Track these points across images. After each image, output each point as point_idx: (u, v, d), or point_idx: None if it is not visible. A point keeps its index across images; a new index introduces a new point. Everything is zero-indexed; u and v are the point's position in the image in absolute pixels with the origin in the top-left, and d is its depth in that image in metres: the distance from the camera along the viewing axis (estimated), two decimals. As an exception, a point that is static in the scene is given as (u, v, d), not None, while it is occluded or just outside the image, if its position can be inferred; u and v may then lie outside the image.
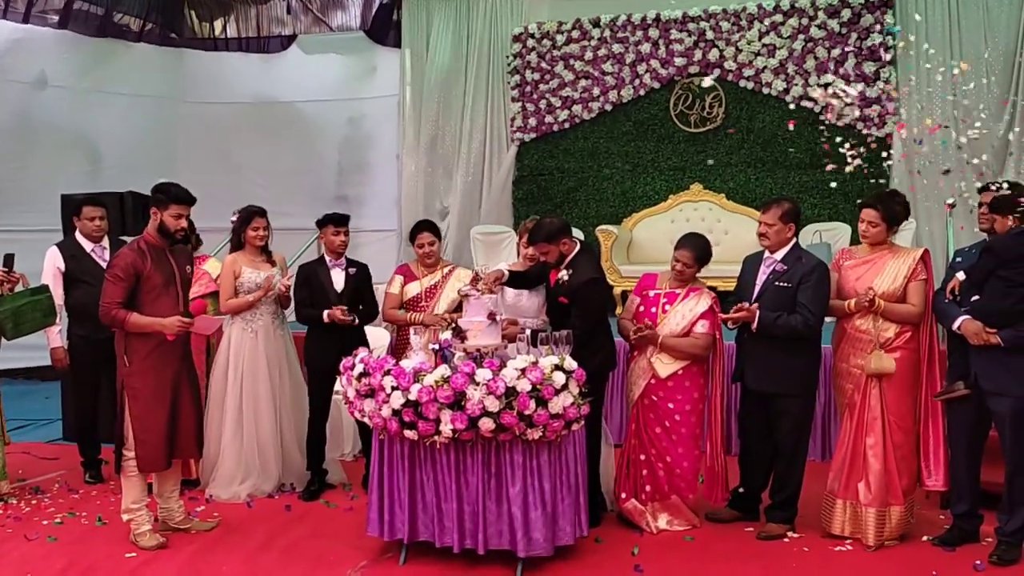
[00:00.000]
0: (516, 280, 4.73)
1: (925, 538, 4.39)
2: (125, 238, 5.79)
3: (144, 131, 9.56)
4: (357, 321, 5.15)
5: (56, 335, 5.44)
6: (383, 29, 9.87)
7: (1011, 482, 4.09)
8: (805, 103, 8.35)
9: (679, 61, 8.71)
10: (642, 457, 4.62)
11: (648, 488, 4.62)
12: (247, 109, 9.97)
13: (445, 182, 9.61)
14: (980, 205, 4.29)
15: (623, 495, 4.65)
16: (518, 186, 9.38)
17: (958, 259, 4.37)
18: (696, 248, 4.56)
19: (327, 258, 5.30)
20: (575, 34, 9.08)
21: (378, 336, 5.99)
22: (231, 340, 5.27)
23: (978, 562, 4.03)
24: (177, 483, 4.60)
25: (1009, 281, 3.97)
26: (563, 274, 4.53)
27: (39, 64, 8.86)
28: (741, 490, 4.71)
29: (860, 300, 4.25)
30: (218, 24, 10.43)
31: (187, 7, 10.30)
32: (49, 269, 5.44)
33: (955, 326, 4.10)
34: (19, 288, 5.16)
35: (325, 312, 5.06)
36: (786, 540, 4.40)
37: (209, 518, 4.81)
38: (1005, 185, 4.19)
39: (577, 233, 8.55)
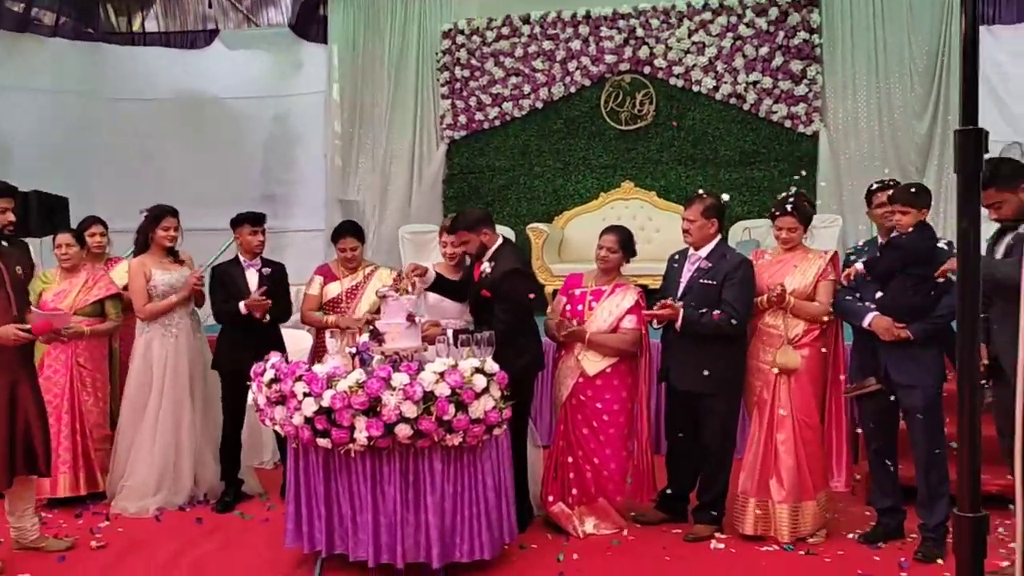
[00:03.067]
0: (443, 286, 4.57)
1: (851, 535, 4.36)
2: (27, 240, 5.50)
3: (61, 129, 9.18)
4: (267, 318, 4.93)
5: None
6: (309, 24, 9.63)
7: (926, 477, 4.08)
8: (734, 101, 8.37)
9: (609, 58, 8.65)
10: (570, 459, 4.50)
11: (575, 491, 4.50)
12: (169, 106, 9.63)
13: (374, 181, 9.39)
14: (881, 205, 4.23)
15: (550, 498, 4.53)
16: (449, 184, 9.22)
17: (851, 256, 4.37)
18: (620, 233, 4.49)
19: (242, 259, 5.07)
20: (505, 31, 8.96)
21: (300, 339, 5.78)
22: (151, 345, 4.99)
23: (903, 559, 4.00)
24: (31, 501, 4.27)
25: (917, 277, 3.97)
26: (485, 266, 4.40)
27: (-59, 57, 8.42)
28: (668, 491, 4.63)
29: (770, 295, 4.22)
30: (137, 18, 10.05)
31: (103, 1, 9.91)
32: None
33: (865, 323, 4.08)
34: None
35: (241, 304, 4.84)
36: (713, 542, 4.32)
37: (115, 532, 4.56)
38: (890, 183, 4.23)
39: (507, 231, 8.50)
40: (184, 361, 5.01)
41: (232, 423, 5.00)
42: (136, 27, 9.99)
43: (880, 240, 4.23)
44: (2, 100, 8.81)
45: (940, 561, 3.97)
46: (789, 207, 4.31)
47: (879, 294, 4.09)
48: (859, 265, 4.17)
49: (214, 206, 8.26)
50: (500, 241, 4.49)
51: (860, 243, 4.54)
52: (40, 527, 4.33)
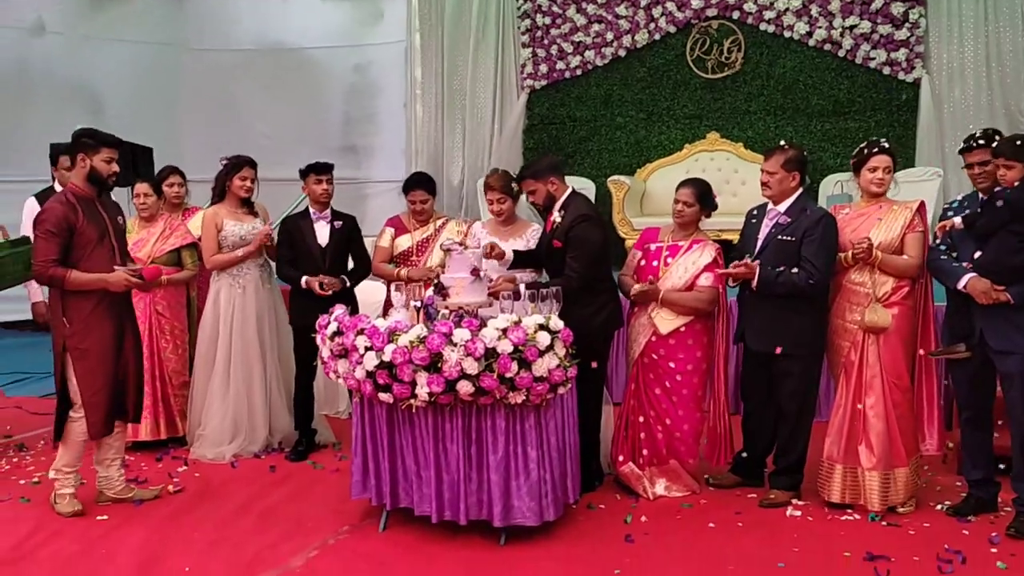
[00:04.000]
0: (523, 260, 4.44)
1: (939, 506, 4.13)
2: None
3: (146, 80, 9.29)
4: (348, 283, 4.93)
5: (37, 289, 5.27)
6: (391, -28, 9.49)
7: (1023, 448, 3.81)
8: (828, 47, 7.93)
9: (696, 3, 8.28)
10: (640, 419, 4.39)
11: (646, 452, 4.38)
12: (251, 56, 9.64)
13: (454, 131, 9.28)
14: (970, 166, 3.92)
15: (620, 458, 4.43)
16: (528, 135, 9.04)
17: (948, 212, 4.06)
18: (697, 186, 4.30)
19: (311, 210, 5.05)
20: (588, -24, 8.65)
21: (375, 291, 5.75)
22: (219, 295, 5.08)
23: (994, 535, 3.77)
24: (120, 450, 4.36)
25: (1021, 236, 3.68)
26: (556, 216, 4.29)
27: (35, 9, 8.57)
28: (744, 454, 4.46)
29: (856, 250, 3.96)
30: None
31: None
32: (28, 220, 5.24)
33: (961, 285, 3.80)
34: None
35: (303, 278, 4.84)
36: (790, 508, 4.15)
37: (192, 477, 4.66)
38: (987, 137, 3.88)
39: (588, 184, 8.33)
40: (252, 312, 5.05)
41: (304, 374, 5.03)
42: (222, -23, 10.01)
43: (981, 196, 3.92)
44: (93, 51, 8.95)
45: (1034, 538, 3.73)
46: (885, 144, 4.04)
47: (978, 253, 3.80)
48: (957, 220, 3.89)
49: (295, 157, 8.23)
50: (569, 191, 4.35)
51: (960, 197, 4.21)
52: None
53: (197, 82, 9.60)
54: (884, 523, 3.96)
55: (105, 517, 4.11)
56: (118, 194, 4.54)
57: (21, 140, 8.14)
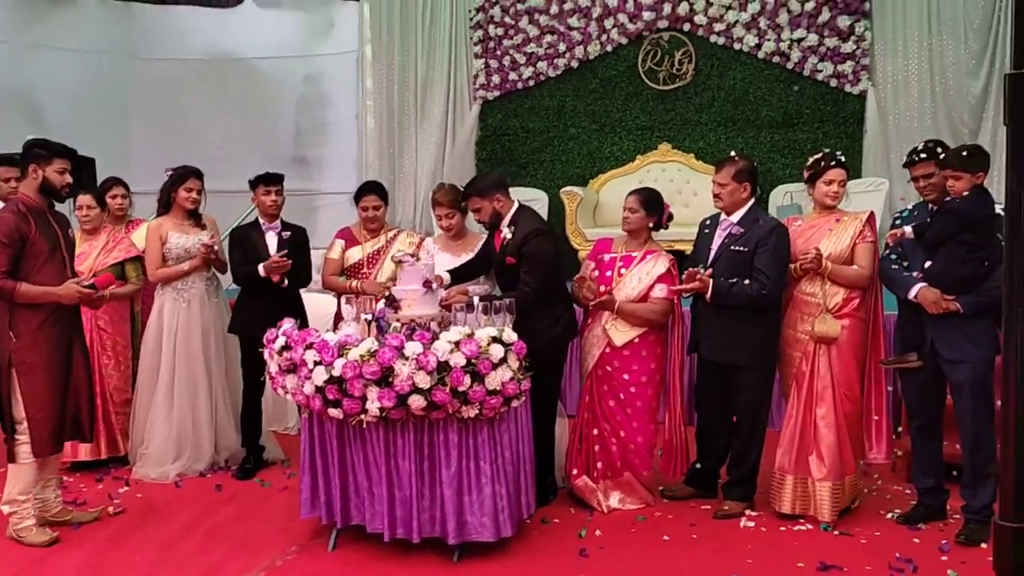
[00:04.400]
0: (462, 274, 4.37)
1: (889, 514, 4.16)
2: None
3: (91, 89, 9.08)
4: (286, 282, 4.81)
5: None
6: (341, -19, 9.41)
7: (972, 455, 3.86)
8: (777, 59, 8.02)
9: (647, 15, 8.28)
10: (595, 432, 4.35)
11: (600, 465, 4.34)
12: (201, 66, 9.47)
13: (406, 143, 9.20)
14: (915, 179, 3.97)
15: (575, 471, 4.38)
16: (481, 146, 8.99)
17: (898, 221, 4.11)
18: (642, 193, 4.30)
19: (261, 221, 4.95)
20: (540, -14, 8.65)
21: (326, 303, 5.64)
22: (164, 310, 4.95)
23: (944, 542, 3.79)
24: (55, 471, 4.21)
25: (970, 246, 3.73)
26: (506, 232, 4.22)
27: (-25, 17, 8.35)
28: (698, 466, 4.45)
29: (803, 261, 3.98)
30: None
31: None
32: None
33: (912, 295, 3.83)
34: None
35: (260, 266, 4.72)
36: (744, 519, 4.14)
37: (134, 498, 4.52)
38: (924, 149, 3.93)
39: (541, 195, 8.31)
40: (197, 326, 4.92)
41: (252, 389, 4.91)
42: (168, -15, 9.84)
43: (931, 206, 3.95)
44: (35, 60, 8.72)
45: (984, 545, 3.75)
46: (841, 157, 4.06)
47: (928, 263, 3.84)
48: (907, 228, 3.92)
49: (246, 168, 8.09)
50: (516, 206, 4.31)
51: (909, 206, 4.24)
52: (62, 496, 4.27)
53: (145, 92, 9.41)
54: (836, 532, 3.97)
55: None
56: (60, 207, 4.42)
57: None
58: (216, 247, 4.94)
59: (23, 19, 8.73)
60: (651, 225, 4.31)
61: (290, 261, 4.74)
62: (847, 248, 4.03)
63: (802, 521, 4.08)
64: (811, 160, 4.13)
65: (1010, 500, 1.44)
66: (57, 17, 8.97)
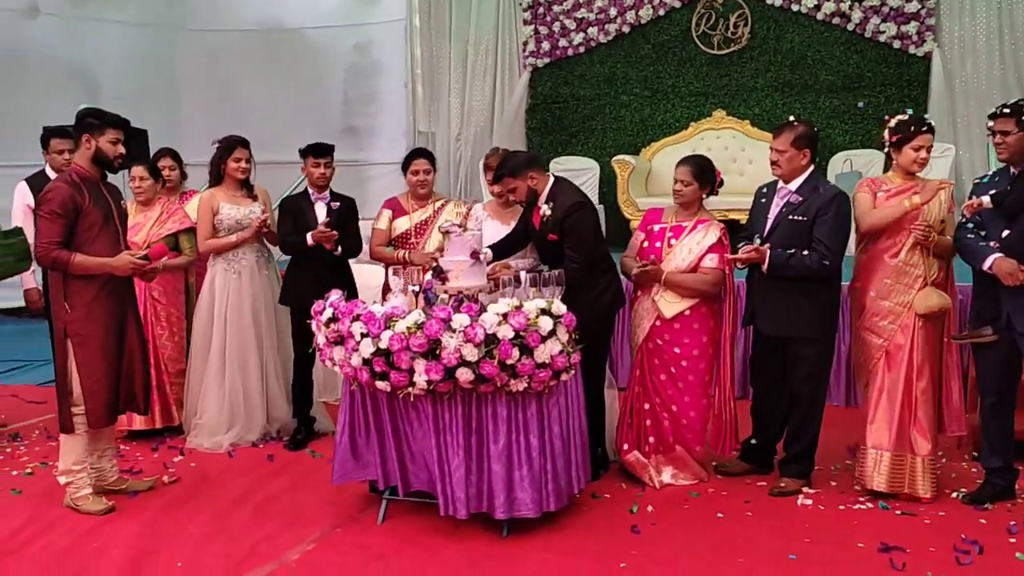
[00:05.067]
0: (504, 248, 4.29)
1: (955, 494, 4.00)
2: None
3: (142, 61, 9.17)
4: (339, 250, 4.78)
5: (29, 275, 5.15)
6: (389, -52, 9.31)
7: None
8: (837, 20, 7.74)
9: (702, -23, 8.09)
10: (646, 406, 4.25)
11: (652, 439, 4.26)
12: (250, 36, 9.50)
13: (455, 111, 9.11)
14: (994, 134, 3.75)
15: (625, 446, 4.30)
16: (531, 115, 8.89)
17: (978, 187, 3.90)
18: (694, 164, 4.14)
19: (310, 191, 4.91)
20: (591, -51, 8.47)
21: (376, 274, 5.61)
22: (214, 281, 4.96)
23: (1013, 523, 3.64)
24: (111, 440, 4.24)
25: None
26: (544, 209, 4.12)
27: (29, -9, 8.44)
28: (753, 441, 4.34)
29: (921, 233, 3.77)
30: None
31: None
32: (19, 206, 5.13)
33: (987, 265, 3.65)
34: None
35: (308, 235, 4.69)
36: (801, 497, 4.02)
37: (188, 467, 4.55)
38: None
39: (592, 164, 8.19)
40: (247, 298, 4.92)
41: (302, 360, 4.90)
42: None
43: (1013, 171, 3.74)
44: (88, 33, 8.80)
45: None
46: (931, 121, 3.89)
47: (1005, 232, 3.65)
48: (985, 198, 3.71)
49: (295, 138, 8.08)
50: (552, 180, 4.20)
51: (990, 172, 4.02)
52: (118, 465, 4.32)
53: (195, 64, 9.47)
54: (898, 512, 3.84)
55: (98, 509, 4.00)
56: (114, 178, 4.44)
57: (15, 124, 7.99)
58: (268, 219, 4.92)
59: (76, -8, 8.82)
60: (703, 195, 4.18)
61: (336, 232, 4.70)
62: (938, 218, 3.87)
63: (862, 499, 3.96)
64: (895, 122, 3.92)
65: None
66: (109, -11, 9.04)
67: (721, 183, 4.20)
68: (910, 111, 4.00)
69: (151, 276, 4.22)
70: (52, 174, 5.05)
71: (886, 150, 4.03)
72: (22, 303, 7.56)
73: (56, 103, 8.10)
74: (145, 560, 3.47)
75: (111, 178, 4.19)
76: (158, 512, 3.96)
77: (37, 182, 5.06)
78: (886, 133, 3.95)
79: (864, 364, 4.07)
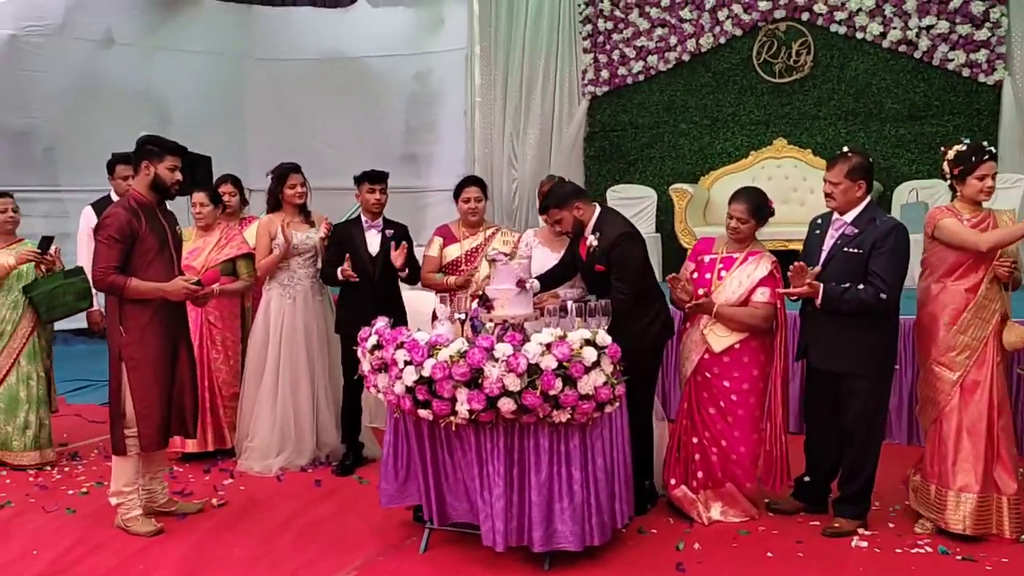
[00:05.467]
0: (551, 279, 4.29)
1: (1022, 538, 3.81)
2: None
3: (212, 89, 9.40)
4: (407, 271, 4.85)
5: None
6: (451, -22, 9.43)
7: None
8: (903, 48, 7.58)
9: (763, 5, 8.01)
10: (694, 440, 4.17)
11: (700, 474, 4.16)
12: (314, 65, 9.67)
13: (514, 139, 9.14)
14: None
15: (673, 481, 4.21)
16: (589, 143, 8.87)
17: None
18: (751, 200, 4.04)
19: (363, 218, 4.96)
20: (651, -22, 8.46)
21: (423, 301, 5.62)
22: (269, 306, 5.04)
23: (1081, 573, 3.46)
24: (163, 463, 4.32)
25: None
26: (591, 240, 4.07)
27: (105, 22, 8.72)
28: (807, 479, 4.21)
29: (1002, 267, 3.74)
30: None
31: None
32: (83, 229, 5.30)
33: None
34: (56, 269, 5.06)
35: (339, 270, 4.75)
36: (856, 538, 3.88)
37: (237, 490, 4.60)
38: None
39: (649, 192, 8.14)
40: (301, 323, 4.98)
41: (351, 386, 4.93)
42: (286, -13, 10.08)
43: None
44: (160, 61, 9.07)
45: None
46: (991, 149, 3.80)
47: None
48: None
49: (356, 165, 8.20)
50: (598, 211, 4.16)
51: None
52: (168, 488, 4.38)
53: (261, 92, 9.68)
54: (959, 557, 3.68)
55: (147, 530, 4.06)
56: (176, 203, 4.53)
57: (89, 150, 8.25)
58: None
59: (149, 23, 9.10)
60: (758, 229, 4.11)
61: (357, 278, 4.76)
62: (1016, 253, 3.81)
63: (921, 543, 3.80)
64: (954, 153, 3.82)
65: None
66: (181, 20, 9.31)
67: (772, 213, 4.12)
68: (967, 140, 3.87)
69: (204, 301, 4.29)
70: (116, 199, 5.21)
71: (949, 182, 3.92)
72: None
73: (128, 130, 8.33)
74: (188, 582, 3.52)
75: (176, 200, 4.28)
76: (205, 535, 4.00)
77: (102, 207, 5.23)
78: (946, 165, 3.84)
79: (934, 399, 3.92)
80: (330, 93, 9.57)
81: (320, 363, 5.08)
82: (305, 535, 4.00)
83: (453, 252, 4.93)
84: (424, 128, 9.66)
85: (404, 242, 4.81)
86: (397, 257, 4.77)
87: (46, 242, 4.97)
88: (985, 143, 3.84)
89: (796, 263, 3.84)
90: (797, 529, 4.01)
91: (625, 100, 8.69)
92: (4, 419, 5.00)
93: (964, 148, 3.81)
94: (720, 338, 4.02)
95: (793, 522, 4.10)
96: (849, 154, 3.90)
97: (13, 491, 4.56)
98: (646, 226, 8.09)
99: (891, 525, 4.01)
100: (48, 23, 8.36)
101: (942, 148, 3.91)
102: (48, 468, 5.01)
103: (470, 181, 5.04)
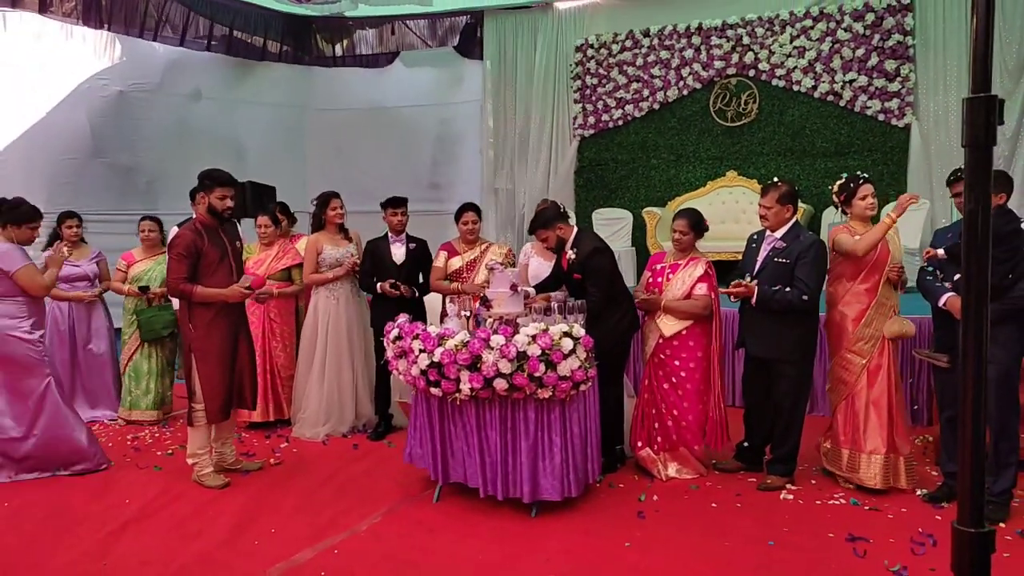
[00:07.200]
0: (546, 288, 4.29)
1: (918, 492, 3.78)
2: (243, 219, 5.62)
3: (279, 133, 9.43)
4: (417, 294, 4.83)
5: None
6: (469, 45, 9.42)
7: (995, 445, 3.46)
8: (831, 98, 7.53)
9: (718, 64, 7.96)
10: (653, 411, 4.15)
11: (659, 439, 4.14)
12: (361, 114, 9.69)
13: (519, 172, 9.14)
14: (956, 195, 3.56)
15: (639, 444, 4.19)
16: (579, 175, 8.84)
17: (948, 235, 3.71)
18: (690, 217, 4.06)
19: (390, 235, 4.98)
20: (628, 43, 8.43)
21: (436, 302, 5.61)
22: (318, 306, 5.05)
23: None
24: (232, 430, 4.33)
25: (993, 259, 3.31)
26: (570, 254, 4.08)
27: (195, 81, 8.78)
28: (745, 444, 4.19)
29: (890, 272, 3.75)
30: (339, 46, 10.18)
31: (316, 32, 10.09)
32: (171, 246, 5.31)
33: (941, 303, 3.49)
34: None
35: (378, 284, 4.76)
36: (784, 492, 3.86)
37: (291, 452, 4.62)
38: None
39: (626, 214, 8.11)
40: (343, 319, 4.99)
41: (383, 369, 4.89)
42: (338, 52, 10.11)
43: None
44: (238, 112, 9.12)
45: (1002, 524, 3.38)
46: (864, 175, 3.84)
47: (957, 276, 3.47)
48: (940, 252, 3.58)
49: (394, 192, 8.26)
50: (575, 231, 4.16)
51: (952, 223, 3.89)
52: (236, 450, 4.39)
53: (318, 135, 9.70)
54: (867, 508, 3.64)
55: (217, 484, 4.08)
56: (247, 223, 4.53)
57: (181, 184, 8.27)
58: (356, 260, 5.00)
59: (229, 80, 9.13)
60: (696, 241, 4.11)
61: (414, 292, 4.79)
62: (899, 260, 3.81)
63: (836, 496, 3.77)
64: (837, 186, 3.84)
65: (967, 508, 1.23)
66: (255, 79, 9.34)
67: (707, 228, 4.10)
68: (845, 175, 3.86)
69: (263, 299, 4.32)
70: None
71: (839, 209, 3.90)
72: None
73: (212, 166, 8.42)
74: (248, 525, 3.53)
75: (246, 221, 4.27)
76: (263, 487, 4.02)
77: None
78: (834, 196, 3.85)
79: (846, 380, 3.89)
80: (373, 136, 9.58)
81: (358, 351, 5.09)
82: (343, 488, 4.02)
83: (456, 263, 4.93)
84: (446, 162, 9.65)
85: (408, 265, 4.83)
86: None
87: (144, 290, 5.27)
88: (859, 172, 3.84)
89: (736, 280, 3.88)
90: (737, 484, 3.99)
91: (607, 140, 8.66)
92: (134, 385, 5.28)
93: (843, 179, 3.82)
94: (670, 325, 4.01)
95: (734, 479, 4.08)
96: (779, 183, 3.88)
97: (113, 453, 4.59)
98: (623, 242, 8.06)
99: (813, 482, 3.99)
100: (149, 81, 8.40)
101: (830, 187, 3.90)
102: (163, 424, 5.22)
103: (467, 207, 5.02)
